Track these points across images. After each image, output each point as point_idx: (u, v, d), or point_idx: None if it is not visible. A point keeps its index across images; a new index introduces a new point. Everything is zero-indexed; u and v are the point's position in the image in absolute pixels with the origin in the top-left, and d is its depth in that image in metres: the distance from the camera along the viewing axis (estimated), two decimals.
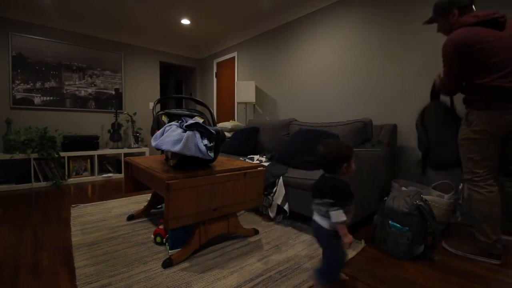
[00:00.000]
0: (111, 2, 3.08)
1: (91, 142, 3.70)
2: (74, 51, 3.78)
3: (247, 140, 2.95)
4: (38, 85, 3.53)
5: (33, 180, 3.20)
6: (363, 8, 2.64)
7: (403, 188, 1.87)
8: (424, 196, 1.60)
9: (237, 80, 4.34)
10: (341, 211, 1.06)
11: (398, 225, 1.48)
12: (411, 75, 2.30)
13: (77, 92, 3.84)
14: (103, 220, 2.03)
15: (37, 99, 3.53)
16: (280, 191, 1.99)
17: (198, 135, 1.37)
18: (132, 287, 1.19)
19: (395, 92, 2.41)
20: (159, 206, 2.22)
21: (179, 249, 1.47)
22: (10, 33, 3.31)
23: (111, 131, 4.01)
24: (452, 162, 1.67)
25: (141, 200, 2.61)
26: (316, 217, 1.15)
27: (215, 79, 4.91)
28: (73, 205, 2.42)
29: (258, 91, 3.93)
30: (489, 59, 1.32)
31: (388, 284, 1.24)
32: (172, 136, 1.34)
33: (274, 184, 2.03)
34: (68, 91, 3.76)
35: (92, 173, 3.73)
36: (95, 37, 4.00)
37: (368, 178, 1.90)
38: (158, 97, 4.77)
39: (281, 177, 2.01)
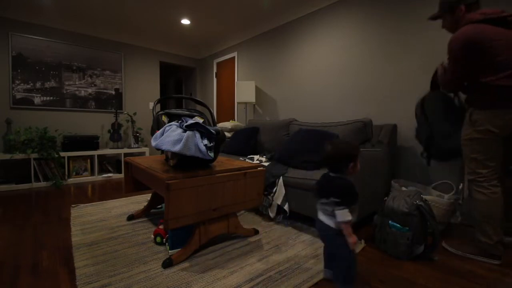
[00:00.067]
0: (111, 2, 3.08)
1: (91, 142, 3.70)
2: (74, 51, 3.78)
3: (247, 140, 2.95)
4: (38, 85, 3.53)
5: (33, 180, 3.20)
6: (363, 8, 2.64)
7: (403, 188, 1.87)
8: (424, 196, 1.60)
9: (237, 80, 4.34)
10: (346, 210, 1.06)
11: (398, 225, 1.48)
12: (411, 75, 2.30)
13: (77, 92, 3.84)
14: (103, 220, 2.03)
15: (37, 99, 3.53)
16: (280, 191, 1.99)
17: (198, 135, 1.37)
18: (132, 287, 1.19)
19: (395, 92, 2.41)
20: (159, 206, 2.22)
21: (179, 249, 1.47)
22: (10, 33, 3.31)
23: (111, 131, 4.01)
24: (455, 151, 1.64)
25: (141, 200, 2.61)
26: (322, 217, 1.15)
27: (215, 79, 4.91)
28: (73, 205, 2.42)
29: (258, 91, 3.93)
30: (496, 58, 1.31)
31: (388, 284, 1.24)
32: (172, 136, 1.34)
33: (274, 184, 2.03)
34: (68, 91, 3.76)
35: (92, 173, 3.73)
36: (95, 37, 4.00)
37: (368, 178, 1.90)
38: (158, 97, 4.77)
39: (281, 177, 2.01)
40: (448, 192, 1.87)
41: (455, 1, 1.45)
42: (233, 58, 4.43)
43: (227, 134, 3.43)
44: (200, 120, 1.71)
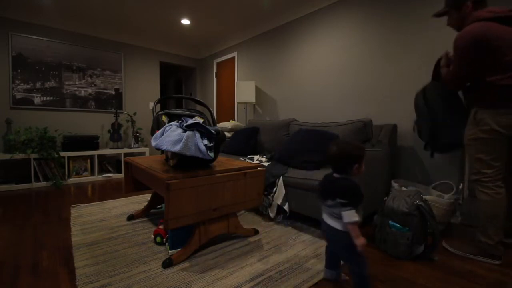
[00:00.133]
0: (111, 2, 3.08)
1: (91, 142, 3.70)
2: (74, 51, 3.78)
3: (247, 140, 2.95)
4: (38, 85, 3.53)
5: (33, 180, 3.20)
6: (363, 8, 2.64)
7: (403, 188, 1.87)
8: (424, 196, 1.60)
9: (237, 80, 4.34)
10: (353, 211, 1.04)
11: (398, 225, 1.48)
12: (411, 75, 2.30)
13: (77, 92, 3.84)
14: (103, 220, 2.03)
15: (37, 99, 3.53)
16: (280, 191, 1.99)
17: (198, 135, 1.37)
18: (132, 287, 1.19)
19: (395, 92, 2.41)
20: (159, 206, 2.22)
21: (179, 249, 1.47)
22: (10, 33, 3.31)
23: (111, 131, 4.01)
24: (458, 143, 1.62)
25: (141, 200, 2.61)
26: (329, 220, 1.13)
27: (215, 79, 4.91)
28: (73, 205, 2.42)
29: (258, 91, 3.93)
30: (503, 57, 1.29)
31: (388, 284, 1.24)
32: (172, 136, 1.34)
33: (274, 184, 2.03)
34: (68, 91, 3.76)
35: (92, 173, 3.73)
36: (95, 37, 4.00)
37: (368, 178, 1.90)
38: (158, 97, 4.77)
39: (281, 177, 2.01)
40: (448, 192, 1.87)
41: None
42: (233, 58, 4.43)
43: (227, 134, 3.43)
44: (200, 120, 1.71)
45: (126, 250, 1.55)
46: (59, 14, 3.40)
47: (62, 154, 3.41)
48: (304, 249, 1.58)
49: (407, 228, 1.45)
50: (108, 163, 4.01)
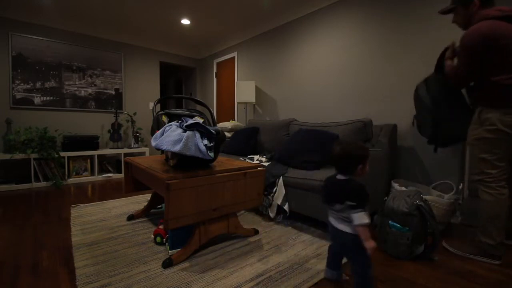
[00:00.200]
0: (111, 2, 3.08)
1: (91, 142, 3.70)
2: (74, 51, 3.78)
3: (247, 140, 2.95)
4: (38, 85, 3.53)
5: (33, 180, 3.19)
6: (363, 8, 2.64)
7: (403, 188, 1.87)
8: (424, 196, 1.60)
9: (237, 80, 4.34)
10: (363, 213, 1.02)
11: (398, 225, 1.48)
12: (411, 75, 2.30)
13: (77, 92, 3.84)
14: (103, 220, 2.03)
15: (37, 99, 3.53)
16: (280, 191, 1.99)
17: (198, 135, 1.37)
18: (132, 287, 1.19)
19: (395, 92, 2.41)
20: (159, 206, 2.22)
21: (179, 249, 1.47)
22: (10, 33, 3.31)
23: (111, 131, 4.01)
24: (462, 136, 1.60)
25: (141, 200, 2.61)
26: (339, 225, 1.11)
27: (215, 79, 4.91)
28: (73, 205, 2.42)
29: (258, 91, 3.93)
30: (510, 57, 1.28)
31: (388, 284, 1.24)
32: (172, 136, 1.34)
33: (274, 184, 2.03)
34: (68, 91, 3.76)
35: (92, 173, 3.73)
36: (95, 37, 4.00)
37: (368, 178, 1.89)
38: (158, 97, 4.76)
39: (281, 177, 2.01)
40: (448, 192, 1.87)
41: None
42: (233, 58, 4.43)
43: (227, 134, 3.43)
44: (200, 120, 1.71)
45: (126, 250, 1.55)
46: (59, 14, 3.40)
47: (62, 154, 3.41)
48: (304, 249, 1.58)
49: (407, 228, 1.45)
50: (108, 163, 4.01)
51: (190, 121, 1.43)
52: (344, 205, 1.06)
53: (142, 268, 1.35)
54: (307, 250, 1.57)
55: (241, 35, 4.09)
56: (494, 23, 1.30)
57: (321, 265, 1.38)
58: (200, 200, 1.41)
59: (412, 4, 2.28)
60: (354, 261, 1.11)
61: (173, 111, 1.78)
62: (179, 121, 1.47)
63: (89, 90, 3.95)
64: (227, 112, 4.65)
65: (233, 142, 3.04)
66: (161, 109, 5.46)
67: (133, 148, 4.12)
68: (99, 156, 3.94)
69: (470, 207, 1.92)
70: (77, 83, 3.83)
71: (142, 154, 4.26)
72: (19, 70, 3.38)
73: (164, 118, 1.72)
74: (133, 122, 4.21)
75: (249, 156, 2.62)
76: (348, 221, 1.07)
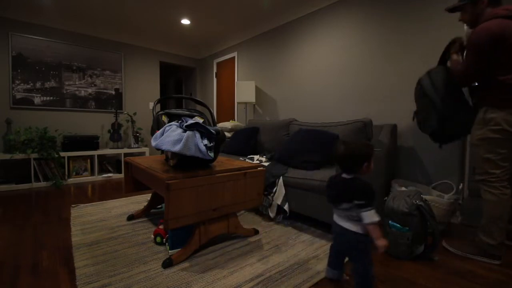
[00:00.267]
0: (111, 2, 3.08)
1: (91, 142, 3.70)
2: (74, 51, 3.78)
3: (247, 140, 2.95)
4: (38, 85, 3.53)
5: (33, 180, 3.19)
6: (363, 8, 2.64)
7: (403, 188, 1.87)
8: (424, 196, 1.60)
9: (237, 80, 4.34)
10: (373, 211, 1.01)
11: (398, 225, 1.48)
12: (411, 75, 2.30)
13: (77, 92, 3.84)
14: (103, 220, 2.03)
15: (37, 99, 3.53)
16: (280, 191, 1.99)
17: (198, 135, 1.37)
18: (132, 287, 1.19)
19: (395, 92, 2.41)
20: (159, 206, 2.22)
21: (179, 249, 1.47)
22: (10, 33, 3.31)
23: (111, 131, 4.01)
24: (465, 131, 1.58)
25: (141, 200, 2.61)
26: (346, 224, 1.10)
27: (215, 79, 4.91)
28: (73, 205, 2.42)
29: (258, 91, 3.93)
30: None
31: (388, 284, 1.24)
32: (172, 136, 1.34)
33: (274, 184, 2.03)
34: (68, 91, 3.76)
35: (92, 173, 3.73)
36: (95, 37, 4.00)
37: (368, 178, 1.89)
38: (158, 97, 4.77)
39: (281, 177, 2.01)
40: (448, 192, 1.87)
41: None
42: (233, 58, 4.43)
43: (227, 134, 3.43)
44: (200, 120, 1.71)
45: (126, 250, 1.55)
46: (59, 14, 3.40)
47: (62, 154, 3.41)
48: (304, 249, 1.58)
49: (407, 228, 1.45)
50: (108, 163, 4.01)
51: (190, 121, 1.43)
52: (352, 204, 1.06)
53: (142, 268, 1.35)
54: (307, 250, 1.57)
55: (241, 35, 4.09)
56: (503, 21, 1.29)
57: (321, 265, 1.38)
58: (200, 200, 1.41)
59: (412, 4, 2.28)
60: (357, 260, 1.10)
61: (173, 111, 1.78)
62: (179, 121, 1.47)
63: (89, 90, 3.95)
64: (227, 112, 4.65)
65: (233, 142, 3.04)
66: (161, 109, 5.46)
67: (133, 148, 4.12)
68: (99, 156, 3.94)
69: (470, 207, 1.92)
70: (77, 83, 3.83)
71: (142, 154, 4.26)
72: (19, 70, 3.38)
73: (164, 118, 1.72)
74: (133, 122, 4.21)
75: (249, 156, 2.62)
76: (356, 219, 1.06)
